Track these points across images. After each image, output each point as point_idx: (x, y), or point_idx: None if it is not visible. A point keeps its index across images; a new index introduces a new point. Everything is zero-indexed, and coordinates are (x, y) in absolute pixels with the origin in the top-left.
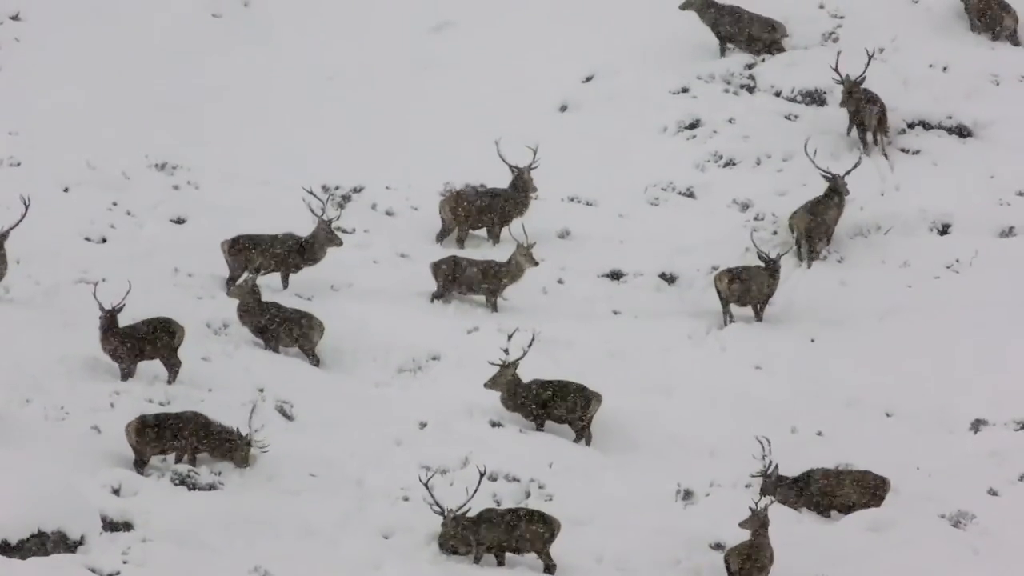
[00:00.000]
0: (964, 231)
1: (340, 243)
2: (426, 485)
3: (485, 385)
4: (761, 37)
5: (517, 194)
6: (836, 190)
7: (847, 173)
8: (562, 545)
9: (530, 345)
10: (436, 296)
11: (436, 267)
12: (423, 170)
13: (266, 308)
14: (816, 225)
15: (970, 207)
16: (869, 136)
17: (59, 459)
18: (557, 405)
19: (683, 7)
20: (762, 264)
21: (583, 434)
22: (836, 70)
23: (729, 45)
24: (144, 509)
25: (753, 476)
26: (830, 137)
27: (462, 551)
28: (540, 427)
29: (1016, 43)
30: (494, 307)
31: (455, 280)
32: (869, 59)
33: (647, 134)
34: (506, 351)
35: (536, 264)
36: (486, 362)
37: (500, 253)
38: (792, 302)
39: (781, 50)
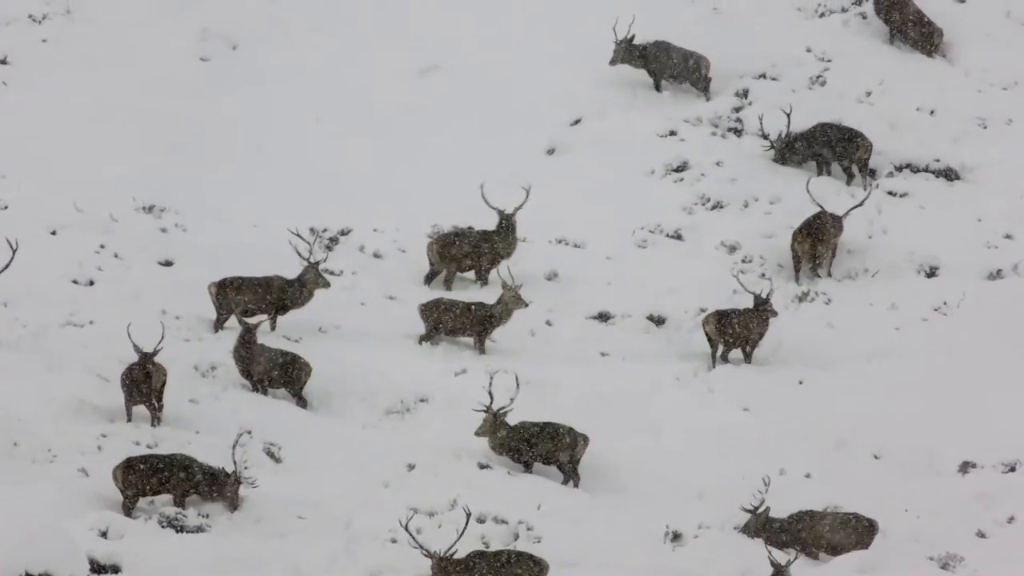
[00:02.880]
0: (951, 274)
1: (328, 285)
2: (406, 528)
3: (476, 434)
4: (688, 67)
5: (504, 236)
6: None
7: (850, 211)
8: None
9: (517, 389)
10: (424, 338)
11: (424, 309)
12: (411, 212)
13: (259, 351)
14: (819, 242)
15: (957, 250)
16: (855, 171)
17: (46, 502)
18: (544, 447)
19: (612, 63)
20: (751, 306)
21: (571, 476)
22: (765, 137)
23: (665, 80)
24: (131, 551)
25: (744, 509)
26: (820, 179)
27: None
28: (528, 469)
29: (934, 53)
30: (482, 349)
31: (443, 322)
32: (788, 117)
33: (635, 176)
34: (489, 393)
35: (526, 305)
36: (472, 408)
37: (488, 295)
38: (780, 344)
39: (707, 83)
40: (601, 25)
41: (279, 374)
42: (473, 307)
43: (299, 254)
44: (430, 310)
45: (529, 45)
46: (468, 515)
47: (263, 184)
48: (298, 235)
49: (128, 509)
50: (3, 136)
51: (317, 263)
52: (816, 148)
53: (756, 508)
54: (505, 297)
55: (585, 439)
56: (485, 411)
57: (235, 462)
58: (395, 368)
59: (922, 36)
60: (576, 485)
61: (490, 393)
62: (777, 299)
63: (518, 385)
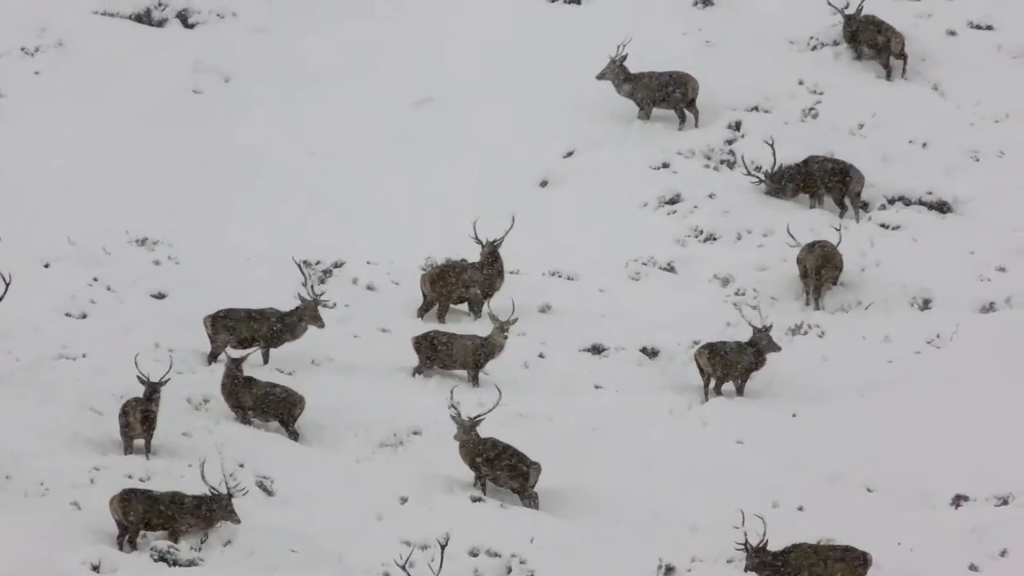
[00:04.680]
0: (945, 306)
1: (322, 325)
2: (403, 568)
3: (455, 437)
4: (675, 94)
5: (491, 267)
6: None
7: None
8: None
9: (499, 395)
10: (417, 371)
11: (417, 342)
12: (404, 245)
13: (248, 383)
14: (826, 262)
15: (950, 282)
16: (848, 203)
17: (39, 535)
18: (497, 468)
19: (599, 77)
20: (744, 339)
21: (522, 495)
22: (757, 170)
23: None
24: None
25: (737, 549)
26: (813, 213)
27: None
28: (482, 489)
29: (903, 73)
30: (475, 382)
31: (436, 355)
32: (772, 148)
33: (628, 209)
34: (452, 403)
35: (505, 339)
36: (448, 414)
37: (481, 328)
38: (773, 377)
39: (693, 107)
40: (594, 58)
41: (271, 407)
42: (466, 340)
43: (303, 287)
44: (423, 343)
45: (522, 77)
46: (443, 546)
47: (256, 216)
48: (299, 267)
49: (122, 543)
50: None
51: (316, 301)
52: (808, 181)
53: (748, 546)
54: (493, 331)
55: (537, 467)
56: (456, 417)
57: (203, 476)
58: (388, 401)
59: (884, 43)
60: (535, 508)
61: (452, 403)
62: (773, 331)
63: (500, 392)
